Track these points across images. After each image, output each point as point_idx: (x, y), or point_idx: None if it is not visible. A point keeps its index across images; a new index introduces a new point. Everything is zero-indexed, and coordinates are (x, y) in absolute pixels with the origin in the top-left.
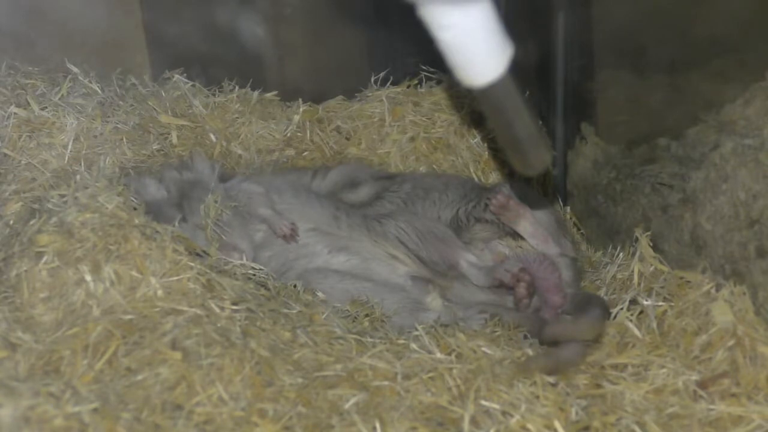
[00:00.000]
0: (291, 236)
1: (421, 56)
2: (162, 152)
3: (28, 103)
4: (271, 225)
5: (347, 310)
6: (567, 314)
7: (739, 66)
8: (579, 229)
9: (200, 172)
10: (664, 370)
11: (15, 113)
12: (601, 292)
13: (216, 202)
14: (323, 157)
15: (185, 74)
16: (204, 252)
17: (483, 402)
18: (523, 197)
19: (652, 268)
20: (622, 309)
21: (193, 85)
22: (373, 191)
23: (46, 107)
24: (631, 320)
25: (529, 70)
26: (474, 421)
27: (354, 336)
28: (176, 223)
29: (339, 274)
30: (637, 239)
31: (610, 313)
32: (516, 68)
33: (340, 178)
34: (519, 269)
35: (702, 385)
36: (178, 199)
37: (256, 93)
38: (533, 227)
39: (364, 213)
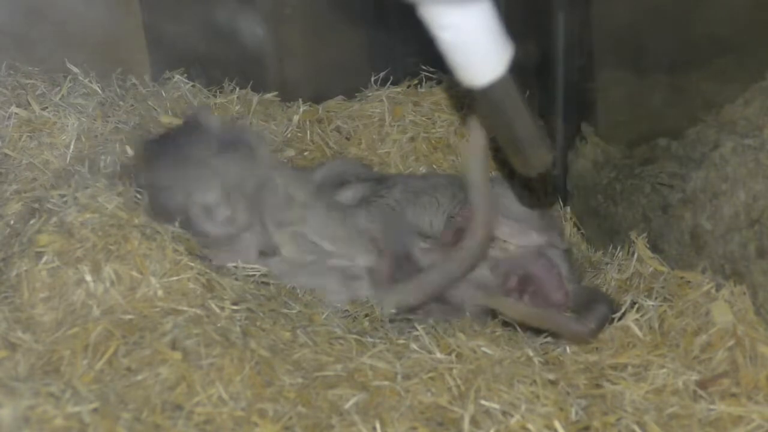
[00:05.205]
0: None
1: (421, 56)
2: None
3: (29, 103)
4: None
5: (347, 310)
6: (572, 311)
7: (739, 66)
8: (579, 229)
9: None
10: (664, 370)
11: (16, 113)
12: None
13: None
14: (323, 157)
15: (185, 75)
16: (202, 253)
17: (483, 402)
18: (505, 194)
19: (651, 269)
20: (625, 312)
21: (193, 86)
22: (359, 194)
23: (47, 107)
24: (634, 321)
25: (529, 70)
26: (474, 421)
27: (354, 336)
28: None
29: None
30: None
31: (617, 309)
32: (516, 68)
33: (327, 177)
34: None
35: (702, 385)
36: None
37: (256, 97)
38: (509, 227)
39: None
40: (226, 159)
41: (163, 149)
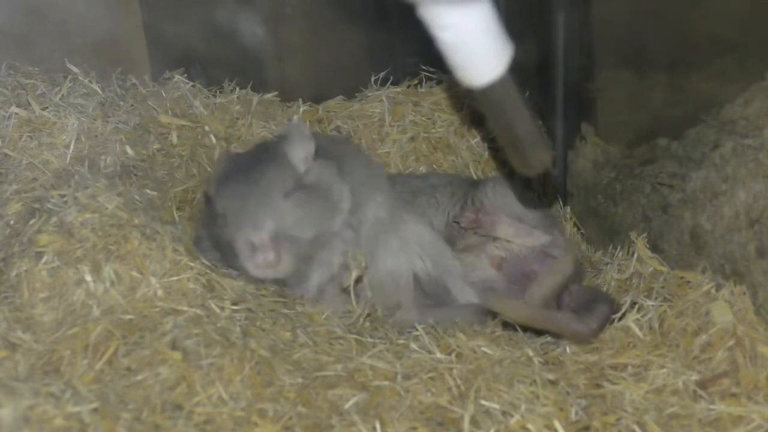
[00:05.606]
0: None
1: (421, 56)
2: (162, 152)
3: (29, 103)
4: None
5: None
6: (573, 311)
7: (739, 66)
8: (579, 229)
9: None
10: (664, 370)
11: (16, 113)
12: None
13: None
14: None
15: (185, 75)
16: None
17: (483, 402)
18: (506, 194)
19: (651, 269)
20: (625, 312)
21: (193, 86)
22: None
23: (47, 107)
24: (634, 321)
25: (529, 70)
26: (474, 421)
27: (354, 336)
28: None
29: None
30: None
31: (617, 309)
32: (516, 68)
33: None
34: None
35: (702, 385)
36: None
37: (256, 97)
38: (513, 227)
39: None
40: (296, 201)
41: (237, 169)
